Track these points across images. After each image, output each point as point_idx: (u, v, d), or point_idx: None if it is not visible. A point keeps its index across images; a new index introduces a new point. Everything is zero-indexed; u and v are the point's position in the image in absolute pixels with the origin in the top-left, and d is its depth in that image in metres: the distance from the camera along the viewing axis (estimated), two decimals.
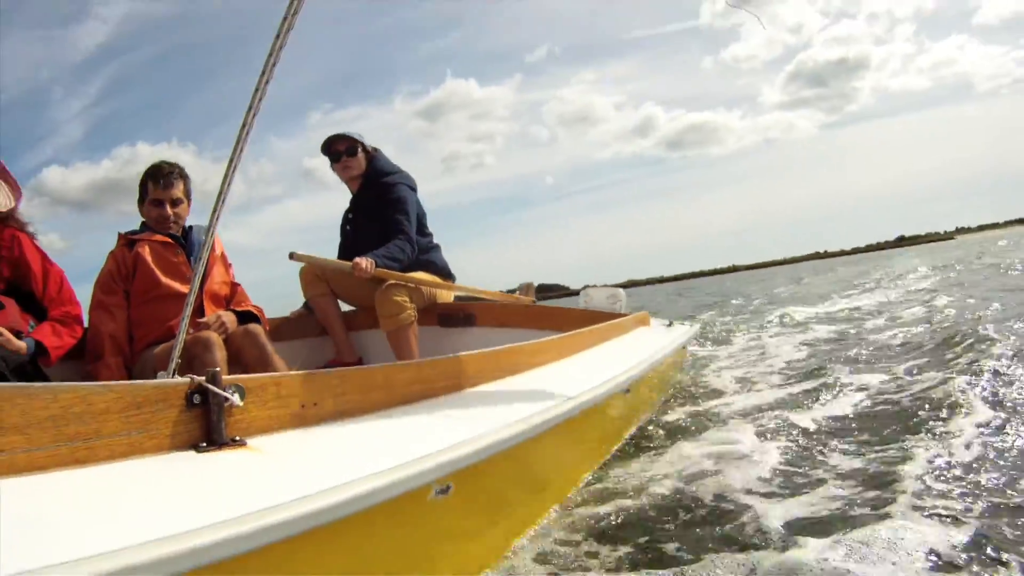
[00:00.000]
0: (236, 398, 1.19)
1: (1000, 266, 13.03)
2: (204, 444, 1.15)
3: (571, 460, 2.06)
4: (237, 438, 1.20)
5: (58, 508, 0.90)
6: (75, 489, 0.96)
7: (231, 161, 1.38)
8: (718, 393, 3.68)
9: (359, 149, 3.62)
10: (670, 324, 3.45)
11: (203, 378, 1.17)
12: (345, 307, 3.78)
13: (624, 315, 3.24)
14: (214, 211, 1.45)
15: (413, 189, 3.67)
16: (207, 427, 1.17)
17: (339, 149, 3.62)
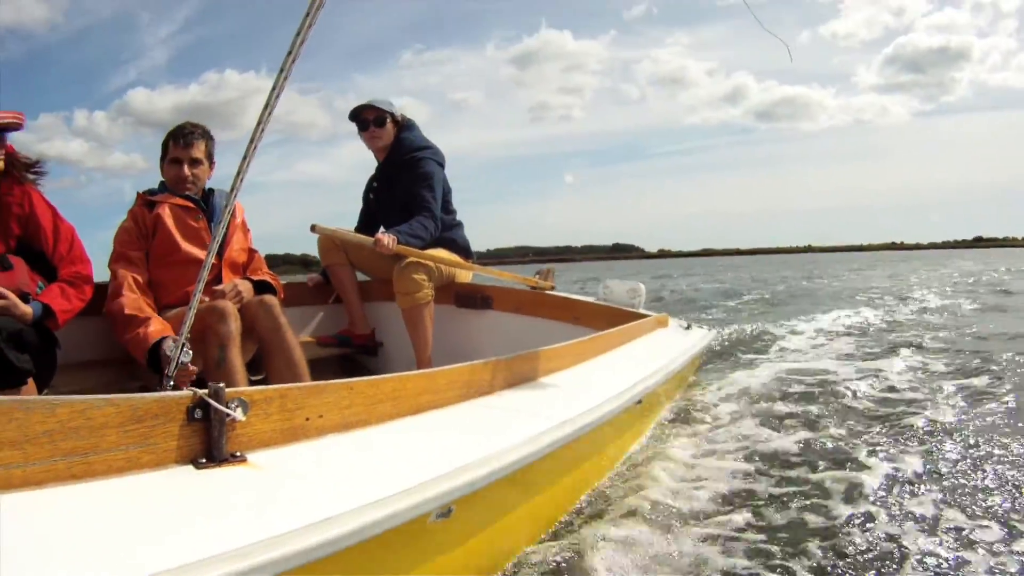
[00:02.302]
0: (239, 412, 1.16)
1: None
2: (203, 460, 1.13)
3: (578, 474, 2.03)
4: (237, 453, 1.17)
5: (54, 527, 0.88)
6: (71, 507, 0.94)
7: (253, 136, 1.33)
8: (727, 401, 3.64)
9: (388, 120, 3.55)
10: (688, 327, 3.38)
11: (205, 391, 1.13)
12: (362, 276, 3.76)
13: (644, 314, 3.18)
14: (236, 176, 1.40)
15: (441, 165, 3.61)
16: (207, 442, 1.14)
17: (367, 118, 3.55)
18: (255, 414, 1.20)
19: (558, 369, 2.12)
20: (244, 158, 1.35)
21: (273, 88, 1.28)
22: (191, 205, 2.71)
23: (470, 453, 1.37)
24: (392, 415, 1.48)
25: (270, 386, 1.26)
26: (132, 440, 1.06)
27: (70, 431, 1.00)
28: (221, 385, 1.14)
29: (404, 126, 3.63)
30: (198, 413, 1.13)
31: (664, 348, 2.79)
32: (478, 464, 1.33)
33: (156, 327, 2.33)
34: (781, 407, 3.39)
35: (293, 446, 1.27)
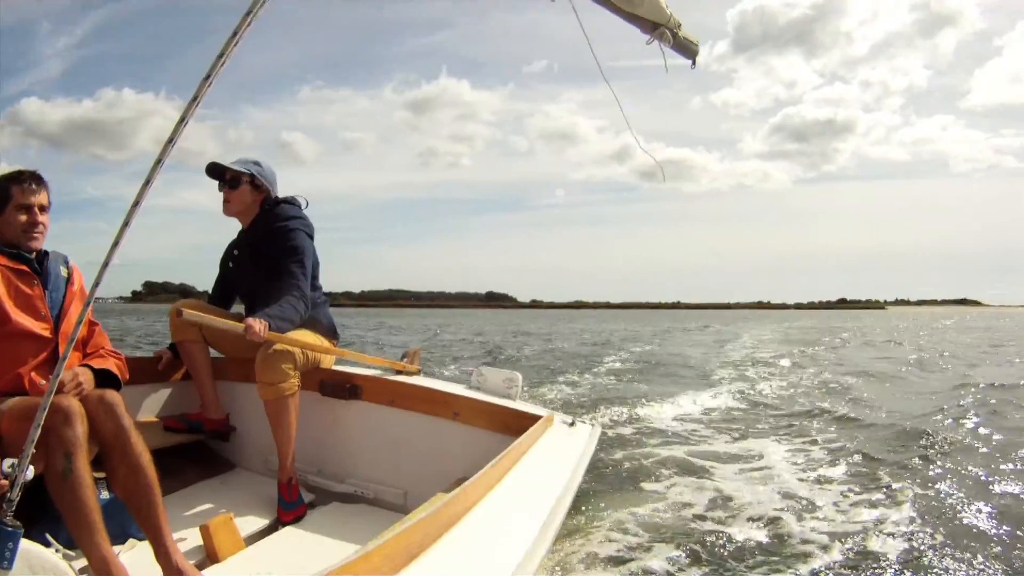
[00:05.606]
0: None
1: None
2: None
3: None
4: None
5: None
6: None
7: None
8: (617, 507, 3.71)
9: (243, 181, 3.27)
10: (572, 423, 3.27)
11: None
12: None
13: (529, 414, 2.99)
14: (114, 243, 1.27)
15: (311, 237, 3.36)
16: None
17: (218, 176, 3.29)
18: None
19: (477, 502, 1.96)
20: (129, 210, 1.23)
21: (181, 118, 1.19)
22: (25, 268, 2.34)
23: None
24: None
25: None
26: None
27: None
28: None
29: (267, 191, 3.34)
30: None
31: (561, 454, 2.70)
32: None
33: None
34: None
35: None
